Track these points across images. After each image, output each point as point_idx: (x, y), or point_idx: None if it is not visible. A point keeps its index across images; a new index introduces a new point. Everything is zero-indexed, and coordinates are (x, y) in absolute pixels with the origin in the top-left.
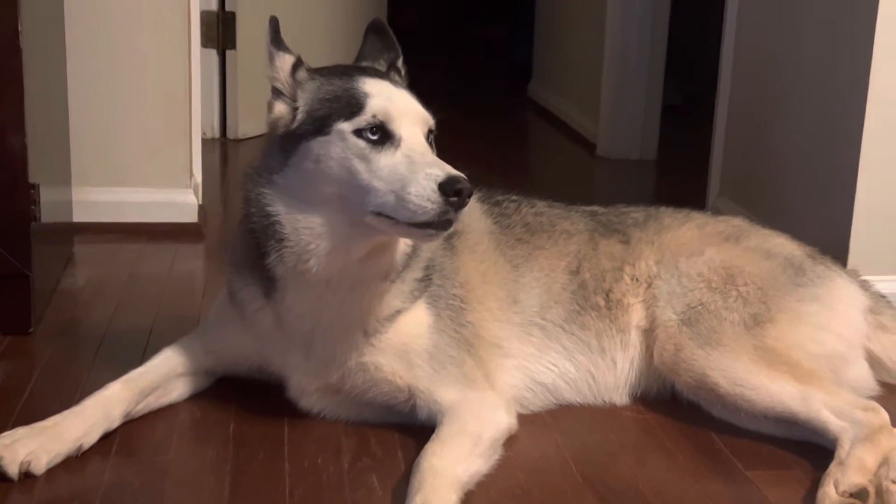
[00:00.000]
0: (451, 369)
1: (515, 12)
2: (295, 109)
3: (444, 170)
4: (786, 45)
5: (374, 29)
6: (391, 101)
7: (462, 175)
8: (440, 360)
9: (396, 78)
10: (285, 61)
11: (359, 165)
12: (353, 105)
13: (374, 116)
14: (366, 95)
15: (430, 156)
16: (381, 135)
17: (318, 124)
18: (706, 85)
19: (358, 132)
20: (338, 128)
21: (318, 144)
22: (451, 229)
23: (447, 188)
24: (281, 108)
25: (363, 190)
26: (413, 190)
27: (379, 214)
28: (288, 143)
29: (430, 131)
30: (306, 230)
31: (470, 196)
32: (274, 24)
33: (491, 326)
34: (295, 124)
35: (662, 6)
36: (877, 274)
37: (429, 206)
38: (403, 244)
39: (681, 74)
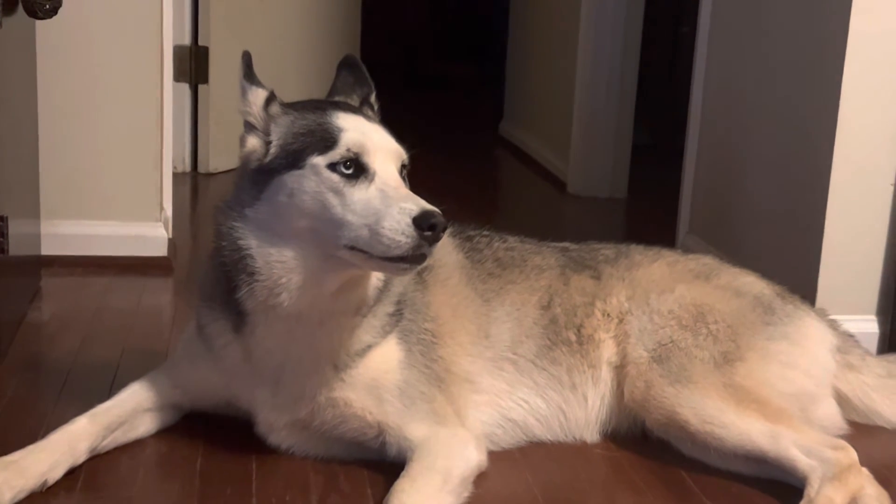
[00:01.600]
0: (422, 405)
1: (487, 51)
2: (268, 143)
3: (418, 204)
4: (755, 87)
5: (346, 64)
6: (365, 135)
7: (436, 209)
8: (410, 396)
9: (369, 113)
10: (258, 95)
11: (333, 199)
12: (328, 139)
13: (348, 150)
14: (340, 130)
15: (404, 190)
16: (356, 169)
17: (292, 158)
18: (676, 125)
19: (332, 166)
20: (312, 162)
21: (291, 178)
22: (426, 263)
23: (422, 222)
24: (254, 142)
25: (337, 224)
26: (387, 224)
27: (353, 248)
28: (260, 176)
29: (403, 166)
30: (278, 264)
31: (444, 230)
32: (247, 58)
33: (462, 361)
34: (268, 158)
35: (632, 47)
36: (844, 313)
37: (403, 240)
38: (375, 278)
39: (651, 114)
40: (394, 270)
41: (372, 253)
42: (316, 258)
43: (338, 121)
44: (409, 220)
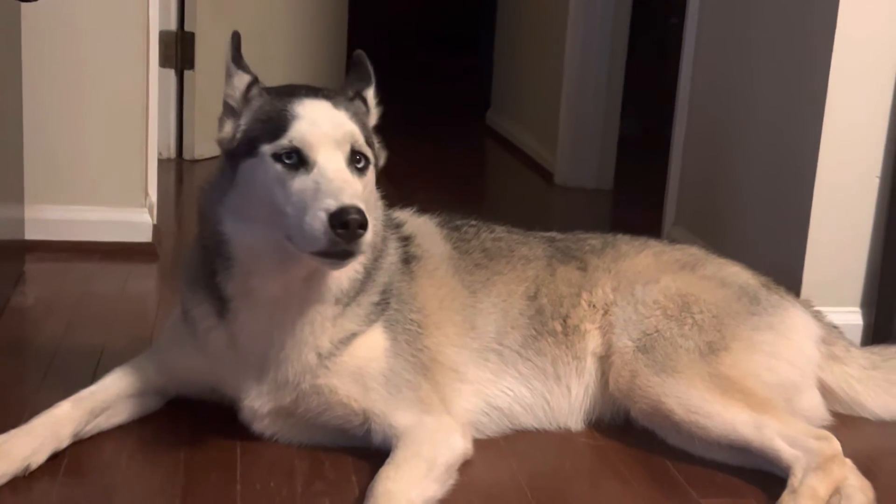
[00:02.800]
0: (407, 393)
1: (475, 40)
2: (237, 128)
3: (339, 201)
4: (742, 78)
5: (354, 62)
6: (315, 125)
7: (354, 205)
8: (396, 384)
9: (358, 104)
10: (242, 80)
11: (276, 189)
12: (278, 128)
13: (290, 141)
14: (293, 118)
15: (338, 183)
16: (298, 159)
17: (250, 146)
18: (663, 117)
19: (276, 156)
20: (261, 150)
21: (248, 166)
22: (353, 260)
23: (334, 220)
24: (228, 126)
25: (280, 214)
26: (308, 219)
27: (289, 239)
28: (231, 162)
29: (357, 154)
30: (248, 249)
31: (361, 228)
32: (236, 40)
33: (448, 351)
34: (234, 144)
35: (621, 38)
36: (829, 305)
37: (319, 236)
38: (352, 269)
39: (638, 106)
40: (322, 264)
41: (298, 246)
42: (279, 245)
43: (296, 108)
44: (324, 217)
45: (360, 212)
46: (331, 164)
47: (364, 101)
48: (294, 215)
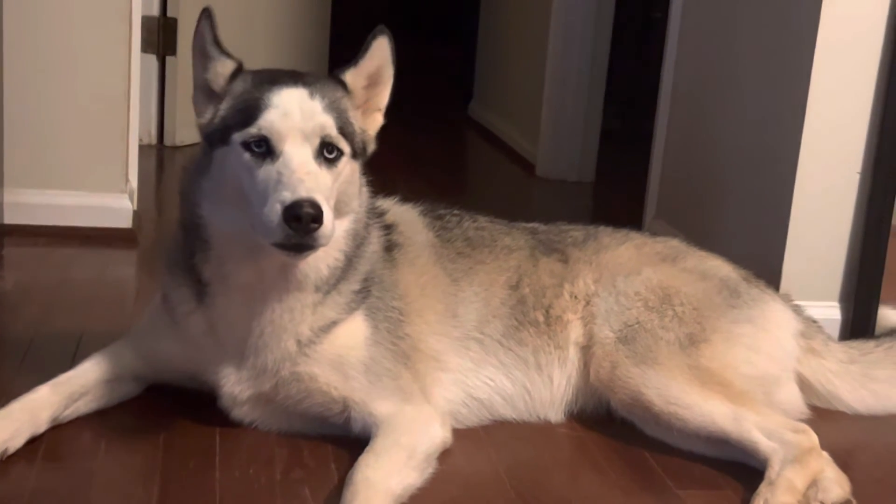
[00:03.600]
0: (387, 382)
1: (457, 32)
2: (216, 114)
3: (295, 193)
4: (724, 73)
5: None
6: (285, 115)
7: (309, 199)
8: (376, 373)
9: (336, 88)
10: (226, 66)
11: (244, 177)
12: (250, 116)
13: (258, 129)
14: (265, 107)
15: (299, 175)
16: (267, 149)
17: (224, 134)
18: (645, 110)
19: (245, 144)
20: (233, 138)
21: (221, 153)
22: (311, 252)
23: (288, 213)
24: (209, 112)
25: (247, 202)
26: (266, 210)
27: (253, 228)
28: (208, 147)
29: (327, 144)
30: (223, 235)
31: (315, 222)
32: (211, 20)
33: (429, 339)
34: (211, 129)
35: (603, 31)
36: (808, 299)
37: (274, 228)
38: (331, 257)
39: (620, 99)
40: (281, 255)
41: (260, 236)
42: (249, 232)
43: (269, 97)
44: (279, 210)
45: (314, 205)
46: (296, 155)
47: (344, 84)
48: (256, 205)
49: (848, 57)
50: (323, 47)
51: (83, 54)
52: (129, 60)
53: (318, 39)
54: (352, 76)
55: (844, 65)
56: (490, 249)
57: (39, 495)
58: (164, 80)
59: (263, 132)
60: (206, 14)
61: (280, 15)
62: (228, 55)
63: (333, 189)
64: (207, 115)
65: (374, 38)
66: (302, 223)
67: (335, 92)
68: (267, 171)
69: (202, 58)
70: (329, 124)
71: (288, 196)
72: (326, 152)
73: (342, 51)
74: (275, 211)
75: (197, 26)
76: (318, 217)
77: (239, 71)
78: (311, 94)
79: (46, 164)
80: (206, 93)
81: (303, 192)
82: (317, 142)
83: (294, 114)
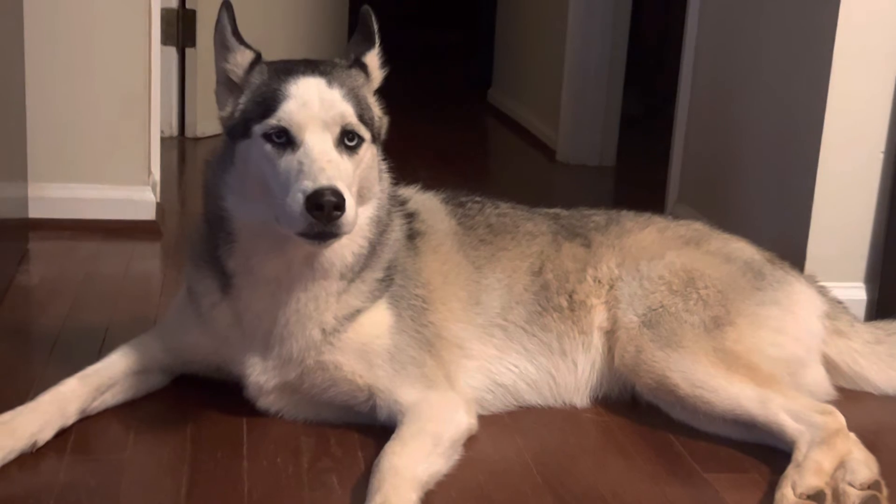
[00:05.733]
0: (412, 369)
1: (476, 18)
2: (236, 107)
3: (316, 182)
4: (746, 55)
5: (359, 18)
6: (305, 105)
7: (331, 187)
8: (401, 361)
9: (357, 75)
10: (245, 56)
11: (266, 168)
12: (269, 108)
13: (278, 121)
14: (284, 98)
15: (320, 164)
16: (287, 139)
17: (245, 127)
18: (666, 97)
19: (266, 135)
20: (254, 130)
21: (243, 146)
22: (336, 240)
23: (310, 202)
24: (229, 105)
25: (270, 194)
26: (288, 200)
27: (277, 220)
28: (230, 140)
29: (347, 132)
30: (248, 228)
31: (337, 210)
32: (230, 11)
33: (452, 327)
34: (232, 123)
35: (623, 15)
36: (833, 280)
37: (297, 217)
38: (356, 244)
39: (641, 86)
40: (305, 244)
41: (284, 227)
42: (274, 224)
43: (288, 88)
44: (301, 199)
45: (336, 193)
46: (316, 144)
47: (364, 67)
48: (279, 195)
49: (870, 37)
50: (342, 38)
51: (103, 48)
52: (149, 53)
53: (338, 30)
54: (372, 57)
55: (867, 44)
56: (512, 236)
57: (70, 488)
58: (183, 72)
59: (283, 123)
60: (226, 6)
61: (299, 6)
62: (247, 45)
63: (355, 176)
64: (228, 108)
65: (369, 16)
66: (324, 211)
67: (353, 79)
68: (288, 161)
69: (222, 49)
70: (349, 112)
71: (309, 185)
72: (347, 140)
73: None
74: (297, 200)
75: (218, 19)
76: (340, 205)
77: (257, 61)
78: (329, 83)
79: (69, 158)
80: (227, 85)
81: (324, 181)
82: (337, 130)
83: (312, 103)
